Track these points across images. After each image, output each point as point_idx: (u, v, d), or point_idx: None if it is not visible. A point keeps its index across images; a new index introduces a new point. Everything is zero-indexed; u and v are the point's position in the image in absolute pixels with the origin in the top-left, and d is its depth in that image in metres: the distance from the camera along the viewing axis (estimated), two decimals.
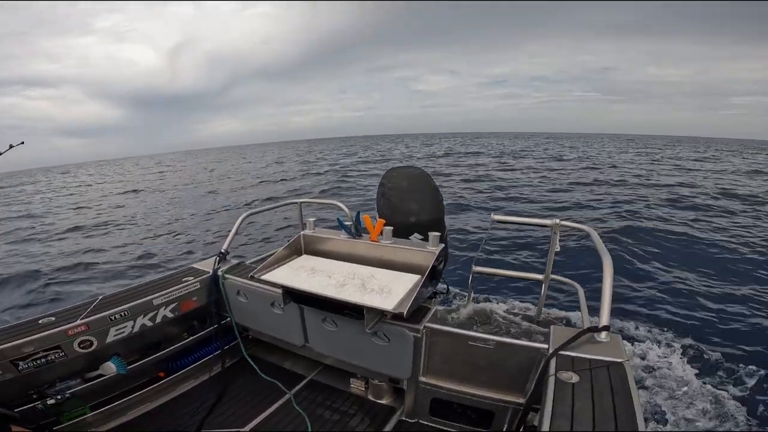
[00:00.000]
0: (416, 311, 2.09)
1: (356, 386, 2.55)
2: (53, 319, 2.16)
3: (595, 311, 1.78)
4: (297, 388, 2.59)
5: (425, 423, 2.28)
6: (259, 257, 3.17)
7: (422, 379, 2.15)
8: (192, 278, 2.68)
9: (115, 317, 2.28)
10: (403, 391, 2.30)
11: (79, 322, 2.15)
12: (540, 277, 2.86)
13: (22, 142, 2.57)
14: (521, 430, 1.57)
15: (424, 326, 2.01)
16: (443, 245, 2.15)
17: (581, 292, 2.50)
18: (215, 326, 2.78)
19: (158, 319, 2.49)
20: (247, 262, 2.89)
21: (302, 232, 2.49)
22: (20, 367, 1.94)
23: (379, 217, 2.45)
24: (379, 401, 2.47)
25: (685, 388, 3.48)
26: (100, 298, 2.40)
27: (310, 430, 2.22)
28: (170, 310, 2.54)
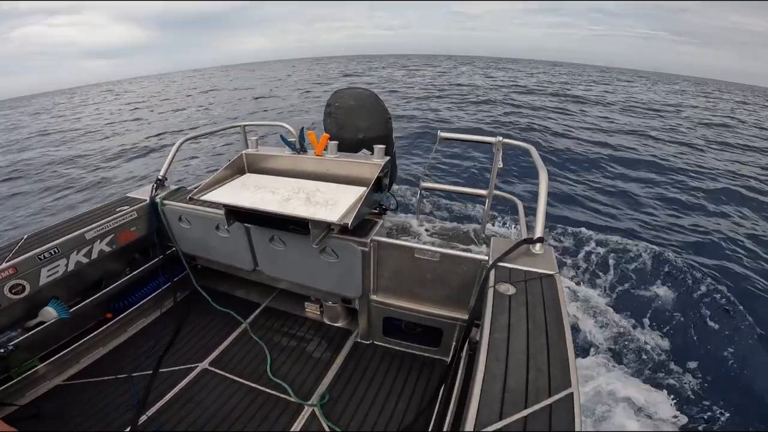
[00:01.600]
0: (363, 225, 2.08)
1: (311, 310, 2.57)
2: None
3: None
4: (252, 316, 2.59)
5: (379, 344, 2.36)
6: (198, 184, 3.00)
7: (373, 297, 2.19)
8: (127, 207, 2.48)
9: (44, 256, 2.08)
10: (357, 312, 2.34)
11: (5, 265, 1.94)
12: (484, 192, 2.93)
13: None
14: (465, 345, 1.63)
15: (371, 239, 2.01)
16: (388, 158, 2.10)
17: (521, 206, 2.55)
18: (160, 257, 2.65)
19: (94, 255, 2.31)
20: (188, 188, 2.70)
21: (244, 151, 2.33)
22: None
23: (327, 133, 2.33)
24: (334, 324, 2.52)
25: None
26: (24, 236, 2.17)
27: (269, 357, 2.24)
28: (107, 243, 2.36)
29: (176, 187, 2.68)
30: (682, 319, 3.65)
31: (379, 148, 2.07)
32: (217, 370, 2.18)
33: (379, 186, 2.01)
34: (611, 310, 3.69)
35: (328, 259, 2.11)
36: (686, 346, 3.39)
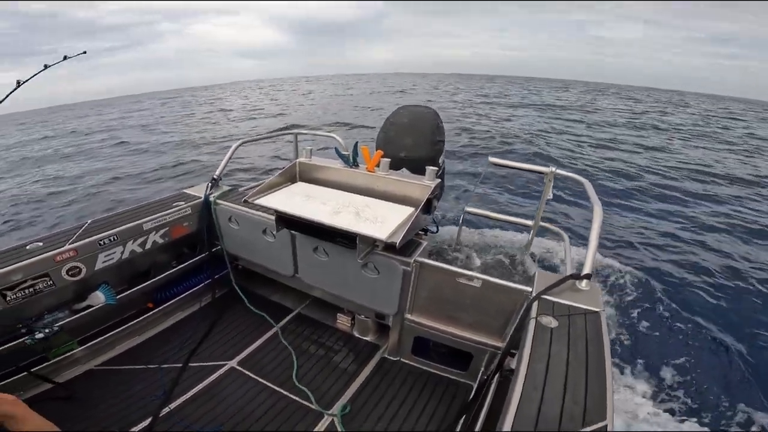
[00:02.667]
0: (407, 245, 2.07)
1: (342, 322, 2.58)
2: (41, 244, 2.05)
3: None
4: (284, 321, 2.62)
5: (406, 361, 2.33)
6: (251, 186, 3.09)
7: (408, 316, 2.17)
8: (183, 203, 2.60)
9: (104, 242, 2.21)
10: (388, 328, 2.32)
11: (67, 247, 2.06)
12: (530, 222, 2.88)
13: (84, 52, 2.18)
14: (497, 372, 1.61)
15: (414, 260, 2.00)
16: (439, 180, 2.09)
17: (567, 240, 2.53)
18: (206, 254, 2.74)
19: (148, 245, 2.43)
20: (240, 189, 2.80)
21: (298, 160, 2.39)
22: (8, 298, 1.87)
23: (376, 149, 2.37)
24: (363, 338, 2.51)
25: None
26: (88, 222, 2.31)
27: (295, 363, 2.26)
28: (161, 236, 2.48)
29: (229, 187, 2.78)
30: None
31: (430, 169, 2.07)
32: (244, 370, 2.21)
33: (428, 208, 2.01)
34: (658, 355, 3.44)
35: (369, 274, 2.12)
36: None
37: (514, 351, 1.56)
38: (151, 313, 2.51)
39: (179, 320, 2.62)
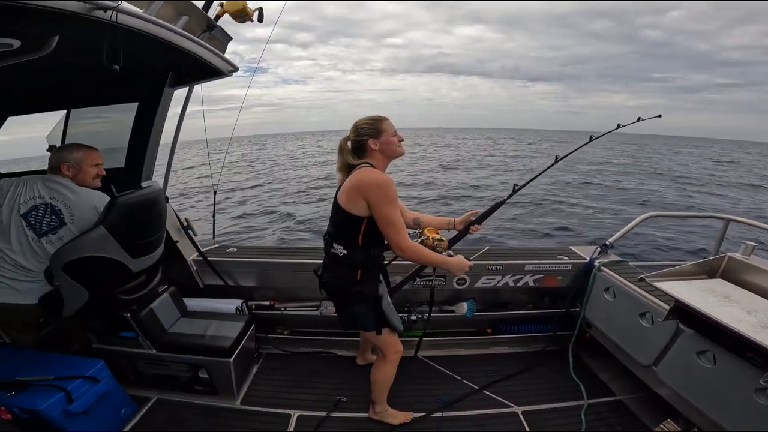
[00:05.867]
0: None
1: (667, 429, 1.94)
2: (452, 253, 2.60)
3: None
4: (598, 400, 2.27)
5: None
6: (645, 263, 2.74)
7: None
8: (566, 258, 2.62)
9: (491, 268, 2.55)
10: None
11: (470, 261, 2.52)
12: None
13: (659, 116, 2.29)
14: None
15: None
16: None
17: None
18: (561, 310, 2.66)
19: (520, 283, 2.61)
20: (630, 263, 2.50)
21: (729, 254, 1.86)
22: (417, 282, 2.44)
23: None
24: None
25: None
26: (487, 247, 2.74)
27: None
28: (534, 280, 2.61)
29: (618, 258, 2.56)
30: None
31: None
32: (524, 421, 2.11)
33: None
34: None
35: (762, 401, 1.47)
36: None
37: None
38: (485, 336, 2.76)
39: (502, 353, 2.73)
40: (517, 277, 2.60)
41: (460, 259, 1.73)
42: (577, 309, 2.59)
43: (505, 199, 2.12)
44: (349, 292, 1.70)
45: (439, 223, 2.04)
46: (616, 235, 2.63)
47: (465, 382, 2.41)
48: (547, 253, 2.70)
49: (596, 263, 2.48)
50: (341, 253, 1.64)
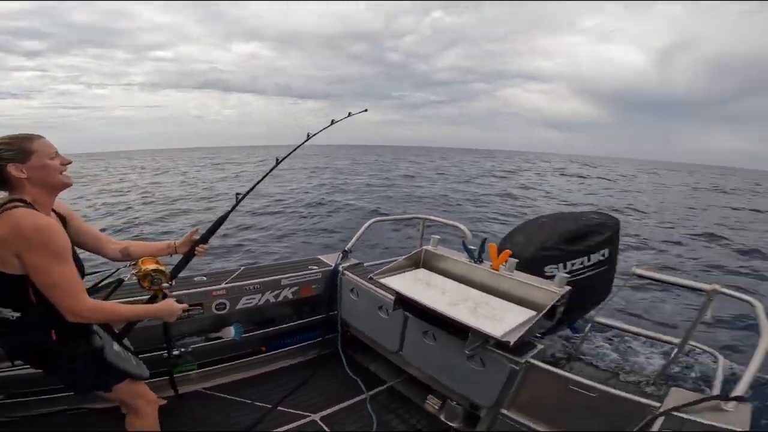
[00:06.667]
0: (521, 345, 1.96)
1: (431, 404, 2.48)
2: (204, 278, 2.52)
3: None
4: (375, 390, 2.62)
5: None
6: (376, 262, 3.29)
7: (504, 411, 2.00)
8: (316, 268, 2.90)
9: (248, 287, 2.58)
10: (477, 417, 2.17)
11: (222, 286, 2.48)
12: (676, 341, 2.54)
13: (365, 110, 2.62)
14: None
15: (526, 360, 1.87)
16: (569, 288, 1.95)
17: (721, 361, 2.35)
18: (322, 316, 2.94)
19: (280, 298, 2.74)
20: (365, 264, 3.01)
21: (424, 247, 2.50)
22: None
23: (510, 246, 2.34)
24: (450, 423, 2.35)
25: None
26: (242, 268, 2.75)
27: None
28: (292, 292, 2.78)
29: (356, 261, 3.01)
30: None
31: (561, 276, 1.96)
32: (323, 426, 2.25)
33: (552, 314, 1.89)
34: None
35: (473, 365, 2.03)
36: None
37: None
38: (261, 355, 2.76)
39: (282, 367, 2.80)
40: (276, 292, 2.71)
41: (170, 303, 1.54)
42: (335, 312, 2.91)
43: (229, 211, 2.00)
44: (49, 350, 1.33)
45: (157, 249, 1.76)
46: (352, 240, 3.08)
47: (256, 404, 2.36)
48: (299, 265, 2.91)
49: (340, 268, 2.84)
50: (13, 317, 1.25)
